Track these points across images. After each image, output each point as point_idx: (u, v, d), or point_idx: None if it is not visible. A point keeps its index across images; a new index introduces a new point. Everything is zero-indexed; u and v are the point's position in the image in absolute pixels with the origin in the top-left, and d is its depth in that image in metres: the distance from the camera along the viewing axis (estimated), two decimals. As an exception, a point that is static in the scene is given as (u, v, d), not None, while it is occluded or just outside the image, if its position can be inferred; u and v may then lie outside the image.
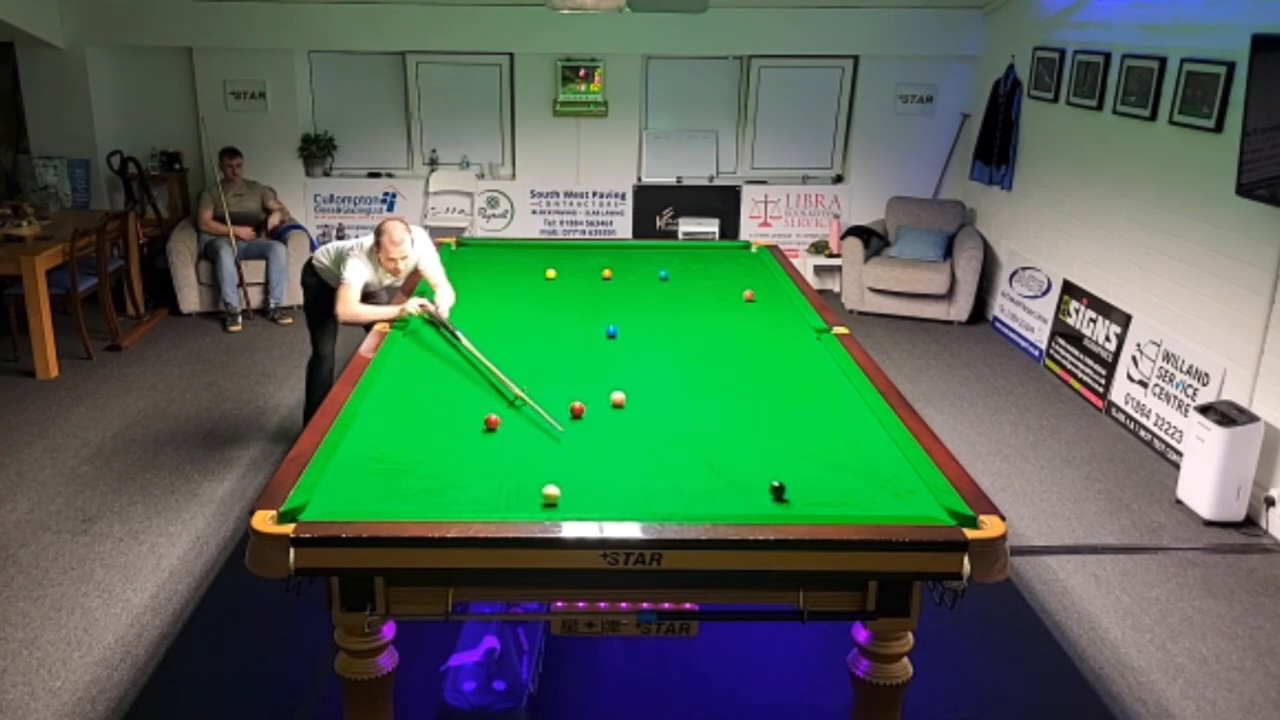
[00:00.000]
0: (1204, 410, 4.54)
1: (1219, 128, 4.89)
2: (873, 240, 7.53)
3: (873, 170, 8.11)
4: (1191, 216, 5.16)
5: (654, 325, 4.12)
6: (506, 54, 7.88)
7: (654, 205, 8.16)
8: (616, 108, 7.94)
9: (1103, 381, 5.82)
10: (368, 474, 2.72)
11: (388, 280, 4.61)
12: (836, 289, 7.99)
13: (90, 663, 3.40)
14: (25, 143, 7.72)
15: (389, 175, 8.09)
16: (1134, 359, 5.56)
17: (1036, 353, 6.66)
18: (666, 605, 2.58)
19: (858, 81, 8.00)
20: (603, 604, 2.62)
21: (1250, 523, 4.53)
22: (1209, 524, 4.50)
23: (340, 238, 7.89)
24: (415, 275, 4.59)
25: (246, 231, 7.16)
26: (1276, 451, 4.48)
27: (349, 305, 4.40)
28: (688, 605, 2.60)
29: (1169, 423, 5.16)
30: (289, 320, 7.17)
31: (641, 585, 2.51)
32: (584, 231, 8.21)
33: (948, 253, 7.38)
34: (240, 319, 7.05)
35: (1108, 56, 5.94)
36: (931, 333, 7.17)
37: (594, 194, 8.14)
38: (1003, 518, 2.52)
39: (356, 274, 4.43)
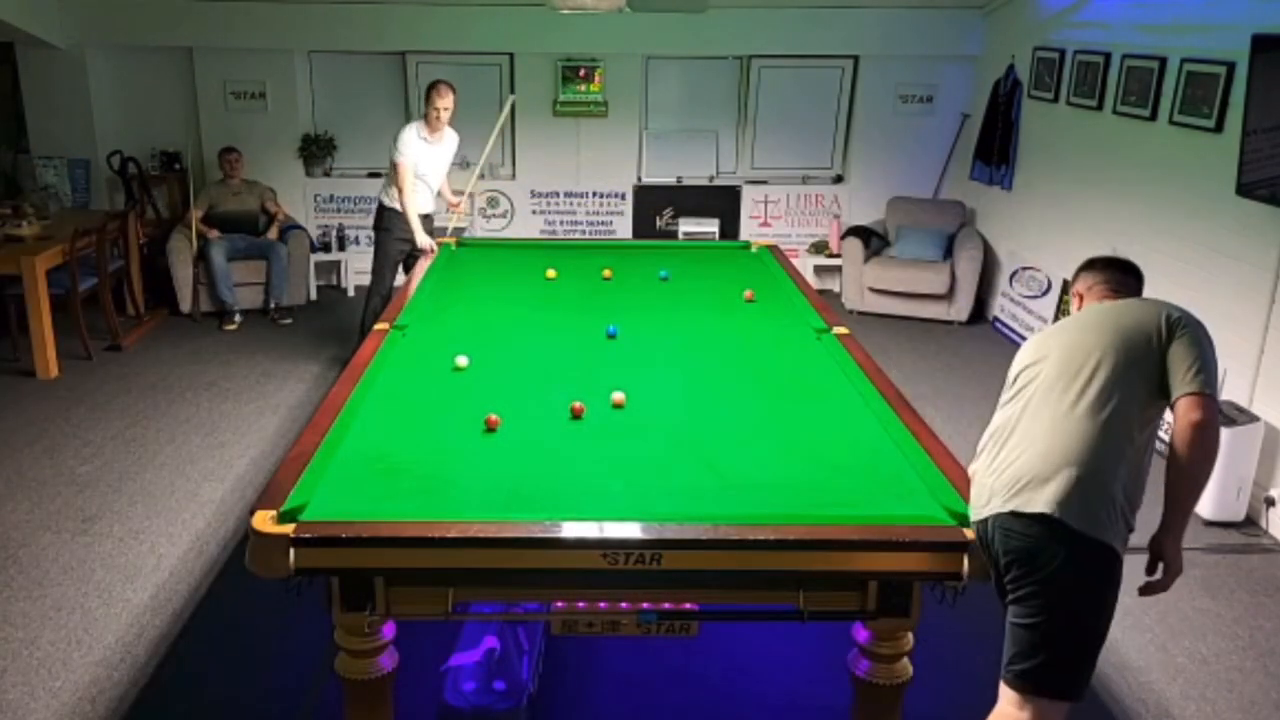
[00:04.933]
0: (1204, 410, 4.54)
1: (1219, 128, 4.89)
2: (873, 240, 7.53)
3: (873, 170, 8.11)
4: (1191, 216, 5.16)
5: (654, 325, 4.12)
6: (506, 54, 7.88)
7: (654, 205, 8.16)
8: (616, 108, 7.95)
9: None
10: (368, 474, 2.72)
11: (433, 148, 5.78)
12: (836, 289, 7.99)
13: (90, 663, 3.40)
14: (25, 143, 7.72)
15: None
16: (1134, 359, 5.55)
17: (1036, 353, 6.65)
18: (666, 605, 2.58)
19: (858, 81, 8.00)
20: (603, 604, 2.62)
21: (1250, 523, 4.53)
22: (1209, 524, 4.50)
23: (340, 238, 7.90)
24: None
25: (214, 232, 7.14)
26: (1276, 451, 4.48)
27: (403, 180, 5.66)
28: (688, 605, 2.60)
29: (1169, 423, 5.15)
30: (289, 321, 7.18)
31: (641, 585, 2.50)
32: (584, 231, 8.21)
33: (948, 253, 7.38)
34: (236, 318, 7.04)
35: (1108, 56, 5.94)
36: (931, 333, 7.17)
37: (594, 194, 8.14)
38: (1003, 518, 2.52)
39: (406, 145, 5.63)
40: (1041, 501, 2.28)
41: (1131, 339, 2.35)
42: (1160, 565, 2.42)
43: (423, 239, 5.70)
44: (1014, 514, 2.31)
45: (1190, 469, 2.28)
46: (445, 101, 5.67)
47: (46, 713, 3.16)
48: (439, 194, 6.08)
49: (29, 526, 4.29)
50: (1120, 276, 2.61)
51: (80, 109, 7.54)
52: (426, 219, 5.94)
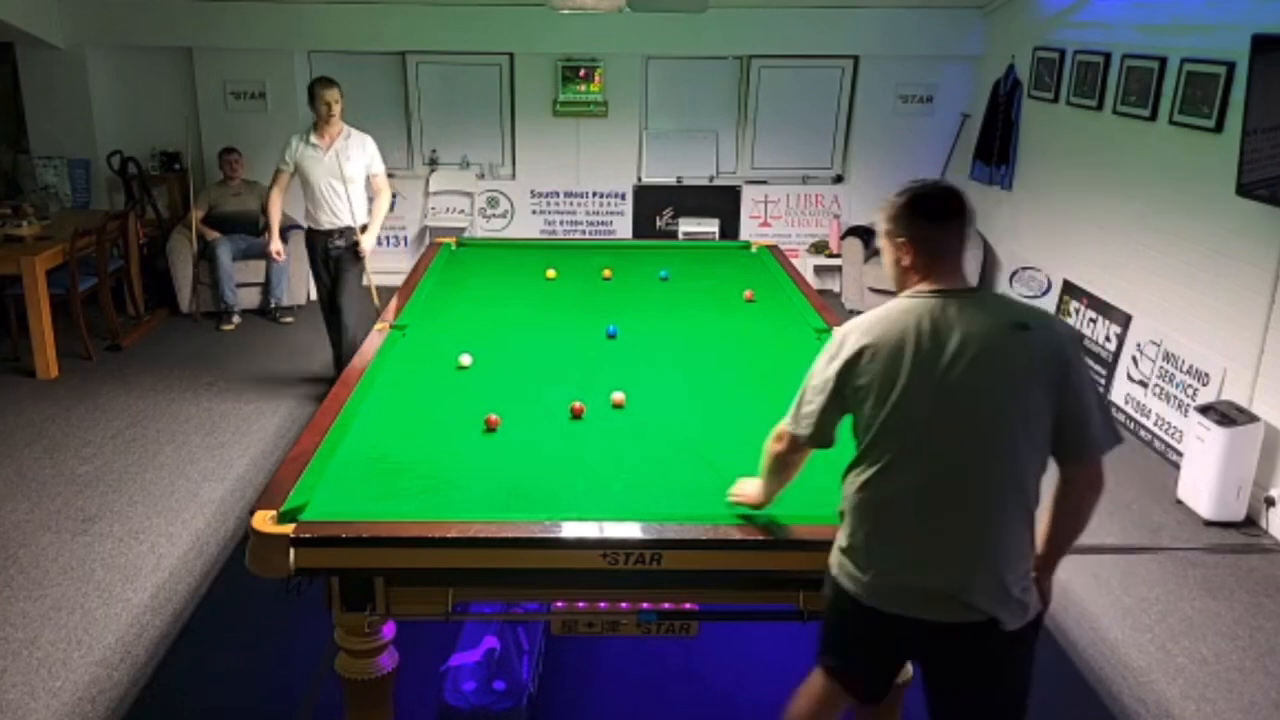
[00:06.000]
0: (1204, 410, 4.54)
1: (1219, 128, 4.89)
2: (873, 240, 7.53)
3: (873, 170, 8.10)
4: (1191, 216, 5.16)
5: (654, 325, 4.12)
6: (506, 54, 7.88)
7: (654, 205, 8.16)
8: (616, 108, 7.94)
9: (1103, 381, 5.82)
10: (368, 474, 2.72)
11: (321, 153, 5.32)
12: (836, 289, 7.99)
13: (90, 663, 3.40)
14: (25, 143, 7.72)
15: (389, 175, 8.04)
16: (1134, 359, 5.56)
17: (1036, 353, 6.65)
18: (666, 605, 2.58)
19: (858, 81, 8.00)
20: (603, 604, 2.62)
21: (1250, 523, 4.53)
22: (1209, 524, 4.50)
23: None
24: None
25: (213, 233, 7.14)
26: (1276, 451, 4.48)
27: (271, 190, 5.53)
28: (688, 605, 2.60)
29: (1169, 423, 5.16)
30: (290, 319, 7.18)
31: (641, 585, 2.51)
32: (584, 231, 8.21)
33: (948, 253, 7.37)
34: (235, 318, 7.05)
35: (1108, 56, 5.94)
36: (931, 333, 7.16)
37: (594, 194, 8.14)
38: (1003, 518, 2.52)
39: (282, 156, 5.39)
40: (978, 612, 2.08)
41: (1036, 393, 2.03)
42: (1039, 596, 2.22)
43: (275, 242, 5.58)
44: (948, 625, 2.10)
45: (1085, 524, 2.19)
46: (330, 94, 5.29)
47: (46, 713, 3.16)
48: (349, 199, 5.40)
49: (29, 526, 4.29)
50: (957, 239, 2.14)
51: (80, 109, 7.53)
52: (346, 231, 5.37)
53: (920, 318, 2.08)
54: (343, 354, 5.44)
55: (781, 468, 2.33)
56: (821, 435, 2.20)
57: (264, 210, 5.39)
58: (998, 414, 2.03)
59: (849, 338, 2.14)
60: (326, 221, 5.40)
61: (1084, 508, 2.16)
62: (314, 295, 7.63)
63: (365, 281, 5.53)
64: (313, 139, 5.35)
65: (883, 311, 2.14)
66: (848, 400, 2.15)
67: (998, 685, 2.21)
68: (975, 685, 2.21)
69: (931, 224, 2.11)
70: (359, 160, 5.42)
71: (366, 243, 5.41)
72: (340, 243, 5.43)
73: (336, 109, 5.33)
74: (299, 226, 7.54)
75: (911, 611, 2.12)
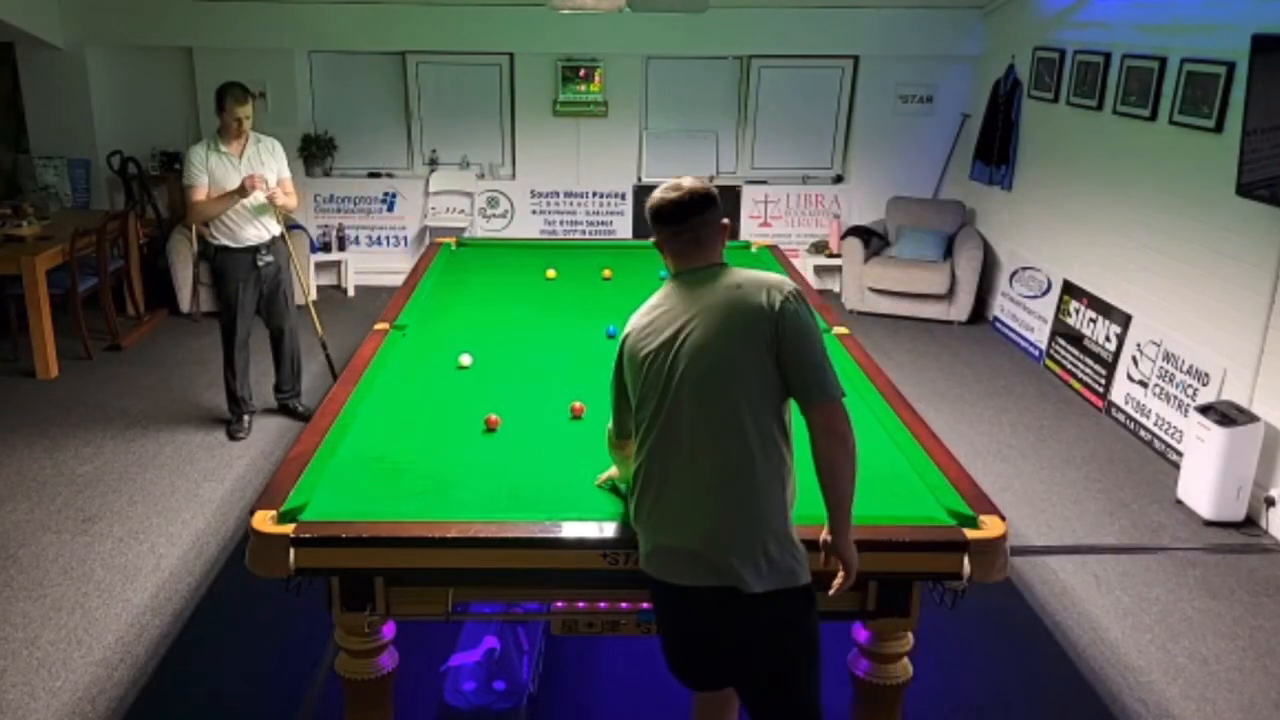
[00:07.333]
0: (1204, 410, 4.54)
1: (1219, 128, 4.89)
2: (873, 240, 7.53)
3: (873, 170, 8.10)
4: (1191, 216, 5.16)
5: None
6: (506, 54, 7.88)
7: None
8: (616, 108, 7.94)
9: (1103, 381, 5.82)
10: (368, 474, 2.72)
11: (234, 161, 4.91)
12: (836, 289, 7.99)
13: (90, 663, 3.40)
14: (25, 143, 7.72)
15: (389, 175, 8.09)
16: (1134, 359, 5.56)
17: (1036, 353, 6.66)
18: (666, 605, 2.58)
19: (858, 81, 8.00)
20: (603, 604, 2.62)
21: (1250, 523, 4.53)
22: (1209, 524, 4.50)
23: (341, 238, 7.90)
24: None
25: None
26: (1276, 451, 4.48)
27: (195, 206, 4.92)
28: (688, 605, 2.60)
29: (1169, 423, 5.16)
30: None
31: (642, 585, 2.50)
32: (584, 231, 8.21)
33: (948, 253, 7.38)
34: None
35: (1108, 56, 5.94)
36: (931, 333, 7.17)
37: (594, 194, 8.14)
38: (1003, 518, 2.52)
39: (194, 168, 4.88)
40: (724, 573, 2.16)
41: (750, 344, 2.16)
42: (840, 565, 2.27)
43: (247, 182, 4.87)
44: (705, 590, 2.19)
45: (846, 477, 2.21)
46: (245, 109, 4.87)
47: (46, 713, 3.16)
48: (273, 209, 5.09)
49: (29, 526, 4.29)
50: (692, 232, 2.30)
51: (80, 109, 7.53)
52: (273, 244, 5.13)
53: (667, 297, 2.32)
54: (282, 380, 5.42)
55: (622, 460, 2.51)
56: (621, 429, 2.42)
57: (204, 223, 4.80)
58: (722, 367, 2.17)
59: (624, 334, 2.35)
60: (253, 236, 5.03)
61: (834, 457, 2.17)
62: (314, 295, 7.67)
63: (300, 298, 5.20)
64: (222, 148, 4.92)
65: (647, 301, 2.37)
66: (628, 387, 2.34)
67: (764, 654, 2.24)
68: (744, 654, 2.25)
69: (665, 227, 2.32)
70: (272, 166, 5.06)
71: (277, 197, 5.02)
72: (270, 258, 5.10)
73: (247, 124, 4.93)
74: (299, 227, 7.55)
75: (673, 577, 2.23)
